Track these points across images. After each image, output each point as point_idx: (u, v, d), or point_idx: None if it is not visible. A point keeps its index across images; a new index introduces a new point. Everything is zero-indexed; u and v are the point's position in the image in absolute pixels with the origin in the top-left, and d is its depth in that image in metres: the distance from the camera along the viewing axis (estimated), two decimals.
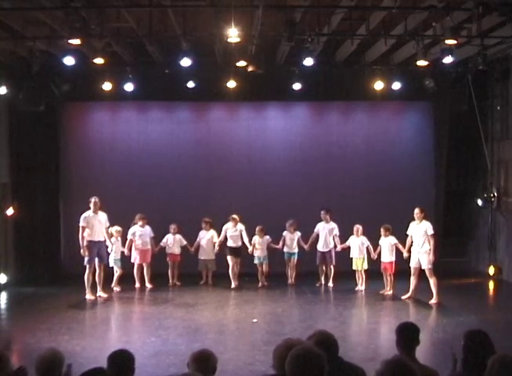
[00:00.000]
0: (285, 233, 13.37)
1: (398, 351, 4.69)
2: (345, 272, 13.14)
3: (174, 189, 14.68)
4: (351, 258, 13.01)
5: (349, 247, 13.05)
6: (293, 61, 12.84)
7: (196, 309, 11.64)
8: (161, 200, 14.38)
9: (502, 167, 14.24)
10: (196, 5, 10.00)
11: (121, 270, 12.99)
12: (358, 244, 12.94)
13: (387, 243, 12.42)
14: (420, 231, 11.75)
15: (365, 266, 12.94)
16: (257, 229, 13.19)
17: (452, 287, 13.16)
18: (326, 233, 13.27)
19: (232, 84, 13.48)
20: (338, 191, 14.70)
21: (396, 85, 13.57)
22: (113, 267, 12.94)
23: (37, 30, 10.91)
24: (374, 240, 12.70)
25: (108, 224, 12.52)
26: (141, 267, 13.25)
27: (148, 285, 13.28)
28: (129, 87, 13.54)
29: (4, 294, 12.94)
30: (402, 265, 12.30)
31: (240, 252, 13.24)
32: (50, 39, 11.14)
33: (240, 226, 13.17)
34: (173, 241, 13.49)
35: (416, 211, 11.87)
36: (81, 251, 12.22)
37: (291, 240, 13.34)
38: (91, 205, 12.29)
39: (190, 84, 13.57)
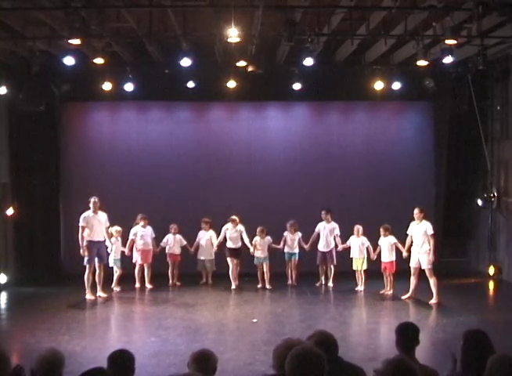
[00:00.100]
0: (286, 233, 13.31)
1: (398, 351, 4.69)
2: (345, 273, 13.14)
3: (174, 189, 14.68)
4: (351, 259, 13.02)
5: (349, 248, 13.06)
6: (293, 61, 12.84)
7: (196, 309, 11.64)
8: (161, 200, 14.38)
9: (502, 167, 14.24)
10: (196, 5, 10.00)
11: (121, 270, 12.99)
12: (358, 244, 12.94)
13: (387, 242, 12.44)
14: (420, 231, 11.76)
15: (365, 267, 12.93)
16: (258, 229, 13.13)
17: (452, 287, 13.16)
18: (327, 233, 13.25)
19: (232, 84, 13.48)
20: (338, 191, 14.70)
21: (396, 85, 13.57)
22: (112, 267, 12.93)
23: (37, 30, 10.92)
24: (374, 241, 12.70)
25: (108, 224, 12.51)
26: (142, 267, 13.24)
27: (148, 285, 13.28)
28: (129, 87, 13.55)
29: (4, 294, 12.94)
30: (402, 265, 12.30)
31: (240, 253, 13.17)
32: (50, 39, 11.14)
33: (240, 227, 13.09)
34: (173, 241, 13.49)
35: (416, 211, 11.88)
36: (81, 251, 12.22)
37: (292, 240, 13.29)
38: (91, 205, 12.29)
39: (190, 84, 13.58)
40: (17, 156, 14.16)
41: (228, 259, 13.10)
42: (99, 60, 11.47)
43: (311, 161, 14.96)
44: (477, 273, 14.67)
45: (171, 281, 13.54)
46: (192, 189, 14.66)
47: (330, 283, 13.37)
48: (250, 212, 13.78)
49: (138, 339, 9.79)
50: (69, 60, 10.92)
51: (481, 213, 14.99)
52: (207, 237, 13.41)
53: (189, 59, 11.24)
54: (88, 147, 14.92)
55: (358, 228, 12.92)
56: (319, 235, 13.30)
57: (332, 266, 13.35)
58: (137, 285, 13.22)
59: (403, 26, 10.67)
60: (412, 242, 11.95)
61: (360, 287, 12.94)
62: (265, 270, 13.21)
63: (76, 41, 9.85)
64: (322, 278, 13.46)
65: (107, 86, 13.35)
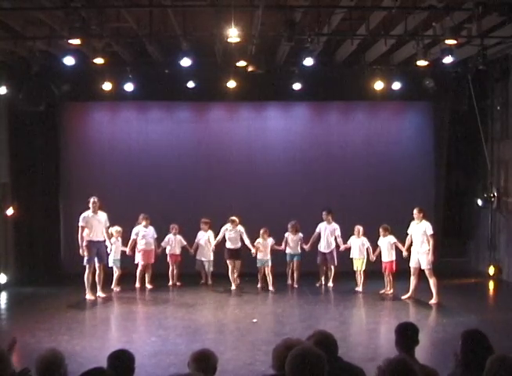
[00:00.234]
0: (287, 234, 13.20)
1: (398, 351, 4.69)
2: (345, 273, 13.12)
3: (173, 189, 14.69)
4: (351, 259, 13.01)
5: (350, 248, 13.05)
6: (293, 61, 12.84)
7: (196, 309, 11.64)
8: (161, 200, 14.38)
9: (502, 167, 14.24)
10: (196, 5, 10.00)
11: (120, 270, 12.98)
12: (358, 244, 12.92)
13: (386, 242, 12.43)
14: (420, 231, 11.76)
15: (364, 267, 12.90)
16: (262, 231, 12.99)
17: (452, 287, 13.16)
18: (328, 233, 13.20)
19: (232, 84, 13.48)
20: (338, 191, 14.70)
21: (396, 85, 13.56)
22: (112, 267, 12.93)
23: (37, 30, 10.92)
24: (375, 241, 12.69)
25: (108, 224, 12.50)
26: (144, 268, 13.22)
27: (148, 285, 13.27)
28: (129, 87, 13.54)
29: (4, 294, 12.94)
30: (402, 265, 12.30)
31: (240, 254, 13.06)
32: (50, 39, 11.14)
33: (240, 228, 13.01)
34: (174, 242, 13.48)
35: (415, 211, 11.87)
36: (80, 251, 12.21)
37: (294, 241, 13.20)
38: (90, 205, 12.28)
39: (190, 84, 13.57)
40: (17, 156, 14.16)
41: (228, 261, 13.04)
42: (99, 60, 11.48)
43: (311, 161, 14.96)
44: (477, 273, 14.66)
45: (171, 281, 13.53)
46: (192, 189, 14.66)
47: (330, 284, 13.35)
48: (249, 212, 13.78)
49: (138, 339, 9.79)
50: (69, 60, 10.93)
51: (481, 213, 14.99)
52: (205, 238, 13.39)
53: (189, 59, 11.25)
54: (88, 147, 14.93)
55: (359, 228, 12.90)
56: (319, 235, 13.28)
57: (332, 267, 13.33)
58: (137, 285, 13.21)
59: (403, 26, 10.67)
60: (412, 242, 11.96)
61: (359, 288, 12.92)
62: (267, 272, 13.06)
63: (76, 41, 9.84)
64: (323, 278, 13.44)
65: (107, 86, 13.35)
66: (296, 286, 13.31)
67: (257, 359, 8.23)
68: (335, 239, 13.21)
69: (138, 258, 13.15)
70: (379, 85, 13.52)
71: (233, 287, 13.05)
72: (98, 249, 12.35)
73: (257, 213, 14.05)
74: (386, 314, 11.41)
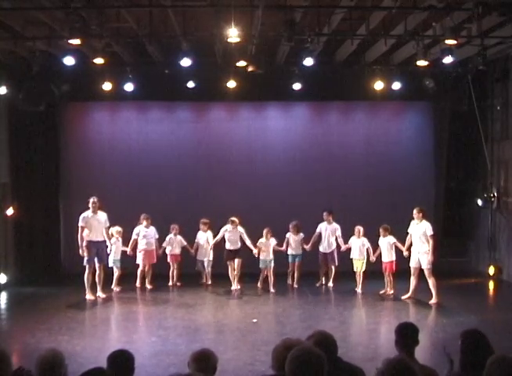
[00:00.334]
0: (288, 234, 13.14)
1: (398, 351, 4.69)
2: (345, 273, 13.11)
3: (174, 189, 14.69)
4: (351, 259, 12.98)
5: (350, 248, 13.02)
6: (293, 61, 12.83)
7: (196, 309, 11.64)
8: (161, 200, 14.38)
9: (502, 167, 14.24)
10: (196, 5, 10.00)
11: (120, 271, 12.96)
12: (358, 245, 12.87)
13: (386, 243, 12.41)
14: (420, 231, 11.75)
15: (364, 268, 12.86)
16: (265, 231, 12.87)
17: (452, 287, 13.16)
18: (329, 233, 13.16)
19: (232, 84, 13.48)
20: (338, 191, 14.70)
21: (396, 85, 13.56)
22: (112, 267, 12.92)
23: (37, 30, 10.92)
24: (375, 241, 12.66)
25: (108, 224, 12.49)
26: (145, 268, 13.18)
27: (148, 286, 13.27)
28: (129, 87, 13.54)
29: (4, 294, 12.94)
30: (402, 265, 12.29)
31: (239, 254, 12.92)
32: (50, 39, 11.14)
33: (240, 229, 12.87)
34: (174, 242, 13.46)
35: (415, 211, 11.85)
36: (80, 251, 12.21)
37: (296, 241, 13.14)
38: (90, 205, 12.28)
39: (190, 84, 13.57)
40: (17, 156, 14.17)
41: (228, 262, 12.94)
42: (99, 60, 11.47)
43: (311, 161, 14.97)
44: (477, 273, 14.66)
45: (171, 281, 13.52)
46: (192, 189, 14.66)
47: (330, 284, 13.34)
48: (249, 212, 13.78)
49: (138, 339, 9.79)
50: (69, 60, 10.93)
51: (481, 213, 14.99)
52: (204, 238, 13.35)
53: (189, 59, 11.24)
54: (88, 147, 14.93)
55: (359, 229, 12.86)
56: (319, 235, 13.26)
57: (333, 267, 13.30)
58: (137, 285, 13.18)
59: (403, 26, 10.67)
60: (412, 241, 11.95)
61: (359, 288, 12.89)
62: (269, 273, 12.95)
63: (76, 41, 9.84)
64: (323, 279, 13.42)
65: (107, 86, 13.35)
66: (296, 286, 13.30)
67: (257, 359, 8.23)
68: (336, 239, 13.20)
69: (139, 259, 13.14)
70: (379, 85, 13.52)
71: (233, 286, 12.94)
72: (98, 249, 12.34)
73: (257, 213, 14.04)
74: (386, 314, 11.41)
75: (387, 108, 15.31)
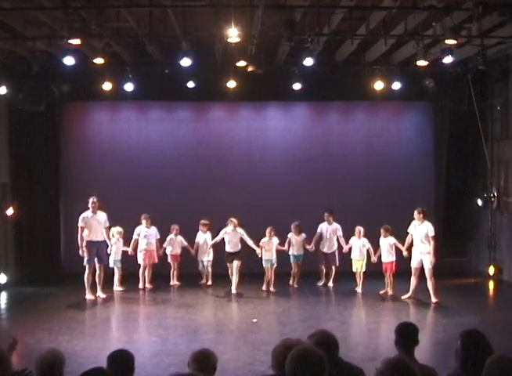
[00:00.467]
0: (290, 234, 13.06)
1: (398, 351, 4.69)
2: (345, 273, 13.10)
3: (173, 189, 14.69)
4: (351, 259, 12.95)
5: (350, 248, 13.00)
6: (293, 61, 12.83)
7: (196, 309, 11.64)
8: (161, 200, 14.37)
9: (502, 167, 14.24)
10: (196, 5, 9.99)
11: (121, 271, 12.94)
12: (359, 245, 12.83)
13: (387, 243, 12.39)
14: (422, 232, 11.72)
15: (364, 268, 12.84)
16: (268, 230, 12.79)
17: (452, 287, 13.16)
18: (330, 234, 13.12)
19: (232, 84, 13.48)
20: (338, 191, 14.70)
21: (396, 85, 13.56)
22: (113, 268, 12.91)
23: (37, 30, 10.92)
24: (375, 242, 12.64)
25: (108, 224, 12.49)
26: (145, 268, 13.17)
27: (148, 285, 13.26)
28: (129, 87, 13.55)
29: (4, 294, 12.94)
30: (402, 265, 12.29)
31: (239, 255, 12.72)
32: (50, 39, 11.13)
33: (240, 231, 12.69)
34: (175, 242, 13.44)
35: (415, 212, 11.82)
36: (80, 251, 12.21)
37: (298, 242, 13.06)
38: (90, 205, 12.28)
39: (190, 84, 13.58)
40: (17, 156, 14.16)
41: (228, 264, 12.81)
42: (99, 60, 11.47)
43: (311, 161, 14.96)
44: (477, 273, 14.66)
45: (171, 281, 13.50)
46: (192, 189, 14.66)
47: (330, 284, 13.32)
48: (249, 212, 13.77)
49: (138, 339, 9.80)
50: (69, 60, 10.93)
51: (481, 213, 14.99)
52: (203, 239, 13.24)
53: (189, 59, 11.24)
54: (88, 147, 14.93)
55: (360, 229, 12.80)
56: (320, 236, 13.22)
57: (333, 267, 13.27)
58: (140, 286, 13.13)
59: (403, 26, 10.67)
60: (412, 241, 11.94)
61: (359, 289, 12.88)
62: (272, 273, 12.85)
63: (76, 41, 9.85)
64: (324, 278, 13.39)
65: (107, 86, 13.35)
66: (296, 286, 13.28)
67: (257, 359, 8.23)
68: (337, 239, 13.17)
69: (140, 259, 13.12)
70: (379, 85, 13.52)
71: (233, 290, 12.68)
72: (97, 249, 12.33)
73: (257, 213, 14.03)
74: (386, 314, 11.41)
75: (387, 108, 15.31)
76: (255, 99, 14.63)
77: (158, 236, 13.25)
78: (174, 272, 13.52)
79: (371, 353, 8.53)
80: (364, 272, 12.89)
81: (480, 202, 14.84)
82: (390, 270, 12.42)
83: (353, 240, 12.95)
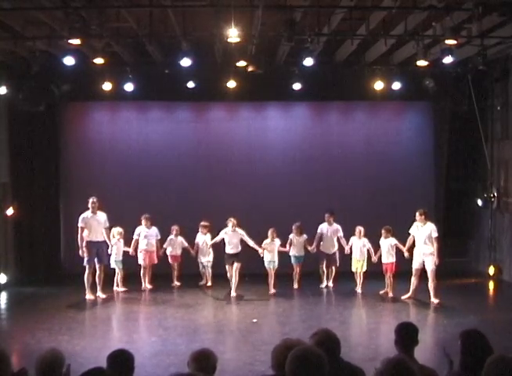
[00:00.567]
0: (291, 235, 12.98)
1: (397, 351, 4.69)
2: (345, 273, 13.08)
3: (173, 189, 14.69)
4: (351, 259, 12.93)
5: (351, 249, 12.96)
6: (293, 61, 12.83)
7: (196, 309, 11.64)
8: (161, 200, 14.37)
9: (502, 167, 14.24)
10: (196, 5, 9.99)
11: (122, 271, 12.93)
12: (359, 245, 12.78)
13: (388, 244, 12.35)
14: (425, 233, 11.69)
15: (365, 268, 12.83)
16: (270, 231, 12.69)
17: (452, 287, 13.15)
18: (331, 234, 13.06)
19: (232, 84, 13.47)
20: (338, 191, 14.69)
21: (396, 85, 13.56)
22: (114, 268, 12.89)
23: (37, 30, 10.91)
24: (374, 241, 12.63)
25: (108, 224, 12.48)
26: (145, 269, 13.16)
27: (148, 286, 13.25)
28: (129, 87, 13.54)
29: (4, 294, 12.94)
30: (402, 265, 12.28)
31: (239, 257, 12.58)
32: (50, 39, 11.13)
33: (240, 231, 12.57)
34: (175, 243, 13.41)
35: (417, 214, 11.76)
36: (80, 251, 12.21)
37: (299, 243, 12.99)
38: (90, 205, 12.28)
39: (190, 84, 13.57)
40: (17, 156, 14.17)
41: (227, 267, 12.65)
42: (99, 60, 11.47)
43: (311, 161, 14.96)
44: (477, 273, 14.66)
45: (171, 282, 13.46)
46: (192, 189, 14.65)
47: (330, 284, 13.31)
48: (249, 212, 13.77)
49: (138, 339, 9.80)
50: (69, 60, 10.92)
51: (481, 213, 14.99)
52: (202, 241, 13.14)
53: (189, 59, 11.24)
54: (88, 147, 14.93)
55: (360, 229, 12.75)
56: (321, 237, 13.17)
57: (333, 267, 13.23)
58: (142, 287, 13.08)
59: (403, 26, 10.66)
60: (413, 242, 11.92)
61: (359, 289, 12.86)
62: (273, 275, 12.74)
63: (76, 41, 9.84)
64: (325, 280, 13.34)
65: (107, 86, 13.35)
66: (296, 287, 13.22)
67: (257, 359, 8.23)
68: (338, 240, 13.14)
69: (140, 259, 13.09)
70: (379, 85, 13.52)
71: (233, 293, 12.54)
72: (97, 249, 12.34)
73: (257, 213, 14.04)
74: (386, 314, 11.41)
75: (387, 108, 15.30)
76: (255, 99, 14.62)
77: (159, 237, 13.22)
78: (175, 273, 13.49)
79: (371, 353, 8.53)
80: (364, 273, 12.87)
81: (480, 202, 14.84)
82: (390, 271, 12.40)
83: (353, 240, 12.91)
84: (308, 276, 13.35)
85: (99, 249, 12.38)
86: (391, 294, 12.41)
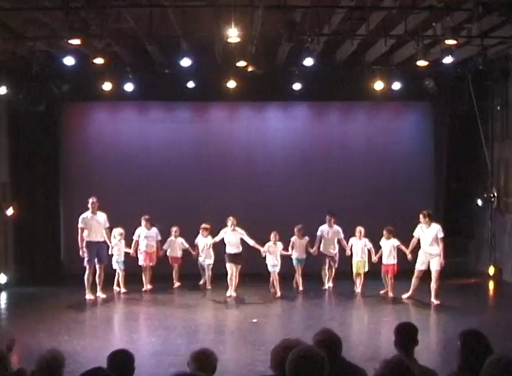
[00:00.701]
0: (293, 238, 12.83)
1: (397, 351, 4.69)
2: (345, 273, 13.04)
3: (173, 189, 14.67)
4: (351, 260, 12.88)
5: (351, 250, 12.91)
6: (293, 61, 12.82)
7: (196, 309, 11.64)
8: (161, 200, 14.34)
9: (502, 167, 14.24)
10: (196, 5, 9.99)
11: (124, 272, 12.90)
12: (360, 246, 12.68)
13: (389, 245, 12.28)
14: (431, 234, 11.64)
15: (366, 269, 12.75)
16: (272, 235, 12.53)
17: (452, 287, 13.13)
18: (331, 236, 12.95)
19: (232, 84, 13.47)
20: (338, 191, 14.68)
21: (396, 85, 13.56)
22: (116, 269, 12.87)
23: (37, 30, 10.91)
24: (374, 241, 12.60)
25: (108, 224, 12.48)
26: (146, 269, 13.14)
27: (148, 286, 13.23)
28: (129, 87, 13.55)
29: (4, 294, 12.94)
30: (402, 266, 12.26)
31: (240, 259, 12.55)
32: (50, 39, 11.14)
33: (240, 231, 12.54)
34: (175, 244, 13.37)
35: (421, 216, 11.69)
36: (80, 252, 12.21)
37: (301, 245, 12.88)
38: (89, 205, 12.28)
39: (190, 84, 13.58)
40: (17, 156, 14.16)
41: (228, 266, 12.48)
42: (99, 60, 11.45)
43: (311, 161, 14.96)
44: (477, 273, 14.65)
45: (172, 282, 13.41)
46: (191, 189, 14.63)
47: (330, 284, 13.25)
48: (249, 212, 13.78)
49: (138, 339, 9.80)
50: (69, 60, 10.94)
51: (481, 213, 14.99)
52: (203, 243, 13.01)
53: (189, 59, 11.25)
54: (88, 147, 14.92)
55: (361, 230, 12.65)
56: (321, 238, 13.03)
57: (333, 268, 13.19)
58: (144, 288, 13.01)
59: (403, 26, 10.65)
60: (416, 244, 11.87)
61: (359, 289, 12.81)
62: (277, 278, 12.60)
63: (76, 41, 9.84)
64: (326, 281, 13.24)
65: (107, 86, 13.35)
66: (301, 289, 12.95)
67: (257, 359, 8.22)
68: (338, 241, 13.05)
69: (141, 260, 13.05)
70: (379, 85, 13.51)
71: (232, 294, 12.42)
72: (97, 250, 12.34)
73: (257, 213, 14.04)
74: (386, 314, 11.40)
75: (387, 108, 15.30)
76: (255, 99, 14.63)
77: (159, 238, 13.17)
78: (175, 274, 13.44)
79: (371, 353, 8.52)
80: (365, 273, 12.79)
81: (480, 202, 14.84)
82: (391, 272, 12.34)
83: (353, 241, 12.80)
84: (308, 277, 13.30)
85: (99, 249, 12.38)
86: (391, 295, 12.39)
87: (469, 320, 10.26)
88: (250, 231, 12.78)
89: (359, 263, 12.74)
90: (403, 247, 12.14)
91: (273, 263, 12.58)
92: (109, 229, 12.61)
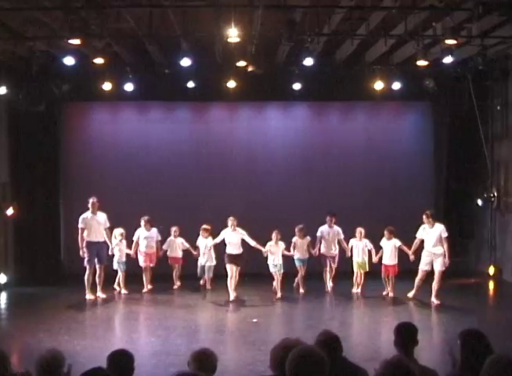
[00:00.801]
0: (295, 238, 12.73)
1: (397, 351, 4.69)
2: (345, 273, 13.05)
3: (173, 189, 14.67)
4: (352, 261, 12.84)
5: (351, 251, 12.87)
6: (293, 61, 12.82)
7: (196, 309, 11.65)
8: (161, 200, 14.35)
9: (502, 167, 14.24)
10: (196, 5, 9.99)
11: (124, 272, 12.88)
12: (361, 246, 12.64)
13: (391, 245, 12.24)
14: (435, 235, 11.62)
15: (367, 269, 12.69)
16: (274, 234, 12.45)
17: (452, 287, 13.12)
18: (332, 237, 12.87)
19: (232, 84, 13.47)
20: (338, 192, 14.68)
21: (396, 85, 13.56)
22: (117, 269, 12.86)
23: (37, 30, 10.91)
24: (374, 241, 12.60)
25: (108, 224, 12.48)
26: (146, 269, 13.11)
27: (148, 286, 13.21)
28: (129, 87, 13.55)
29: (4, 294, 12.94)
30: (402, 266, 12.26)
31: (240, 260, 12.42)
32: (50, 39, 11.13)
33: (240, 231, 12.45)
34: (175, 244, 13.36)
35: (424, 217, 11.68)
36: (80, 252, 12.21)
37: (303, 245, 12.78)
38: (90, 206, 12.28)
39: (190, 84, 13.58)
40: (17, 156, 14.16)
41: (228, 266, 12.32)
42: (99, 60, 11.45)
43: (311, 161, 14.96)
44: (477, 273, 14.65)
45: (172, 282, 13.39)
46: (192, 188, 14.64)
47: (330, 284, 13.22)
48: (249, 212, 13.77)
49: (138, 339, 9.80)
50: (69, 60, 10.93)
51: (481, 213, 14.99)
52: (204, 244, 12.94)
53: (189, 59, 11.25)
54: (88, 147, 14.93)
55: (361, 230, 12.61)
56: (321, 239, 12.96)
57: (333, 268, 13.17)
58: (144, 289, 12.97)
59: (403, 26, 10.64)
60: (419, 245, 11.85)
61: (358, 290, 12.79)
62: (279, 279, 12.50)
63: (76, 41, 9.84)
64: (327, 281, 13.18)
65: (107, 86, 13.35)
66: (300, 289, 12.88)
67: (257, 359, 8.21)
68: (338, 242, 12.96)
69: (141, 261, 13.02)
70: (379, 85, 13.51)
71: (231, 298, 12.22)
72: (97, 250, 12.33)
73: (257, 213, 14.03)
74: (386, 314, 11.39)
75: (387, 108, 15.31)
76: (255, 99, 14.63)
77: (159, 238, 13.13)
78: (175, 274, 13.41)
79: (371, 353, 8.52)
80: (366, 273, 12.76)
81: (480, 202, 14.84)
82: (393, 273, 12.31)
83: (353, 242, 12.74)
84: (309, 278, 13.26)
85: (99, 249, 12.38)
86: (391, 295, 12.39)
87: (469, 320, 10.26)
88: (250, 230, 12.68)
89: (359, 264, 12.71)
90: (405, 248, 12.08)
91: (275, 263, 12.50)
92: (110, 229, 12.60)
